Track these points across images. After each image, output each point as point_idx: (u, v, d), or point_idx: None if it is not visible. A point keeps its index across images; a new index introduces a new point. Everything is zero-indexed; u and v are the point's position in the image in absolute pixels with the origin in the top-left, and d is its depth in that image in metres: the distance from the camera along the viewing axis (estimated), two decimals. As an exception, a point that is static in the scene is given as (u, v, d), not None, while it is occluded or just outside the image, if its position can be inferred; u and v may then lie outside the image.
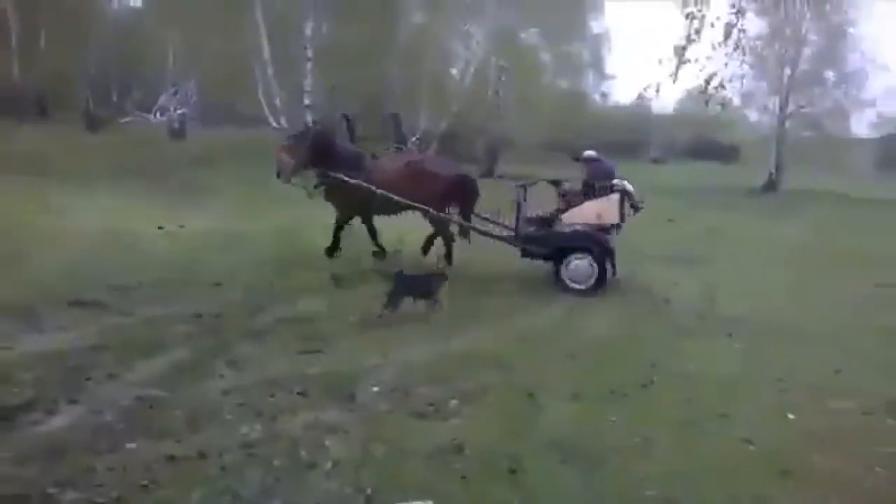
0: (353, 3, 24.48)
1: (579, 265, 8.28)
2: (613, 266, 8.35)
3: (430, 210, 8.78)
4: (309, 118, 23.24)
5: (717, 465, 3.99)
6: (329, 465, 3.69)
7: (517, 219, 8.73)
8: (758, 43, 25.27)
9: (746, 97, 27.17)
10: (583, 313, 7.31)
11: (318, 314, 6.48)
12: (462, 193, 9.07)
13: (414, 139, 24.93)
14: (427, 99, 25.93)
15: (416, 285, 6.80)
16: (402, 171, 8.96)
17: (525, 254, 8.72)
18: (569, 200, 8.90)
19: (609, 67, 35.74)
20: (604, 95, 35.43)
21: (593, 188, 8.74)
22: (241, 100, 30.50)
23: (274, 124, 24.10)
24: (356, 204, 9.00)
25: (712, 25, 7.12)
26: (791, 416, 4.77)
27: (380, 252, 9.38)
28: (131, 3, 34.68)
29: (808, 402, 5.06)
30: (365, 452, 3.85)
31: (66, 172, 16.13)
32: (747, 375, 5.61)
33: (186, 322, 5.94)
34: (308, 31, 23.18)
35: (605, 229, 8.56)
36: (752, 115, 31.00)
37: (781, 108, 26.81)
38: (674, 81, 7.42)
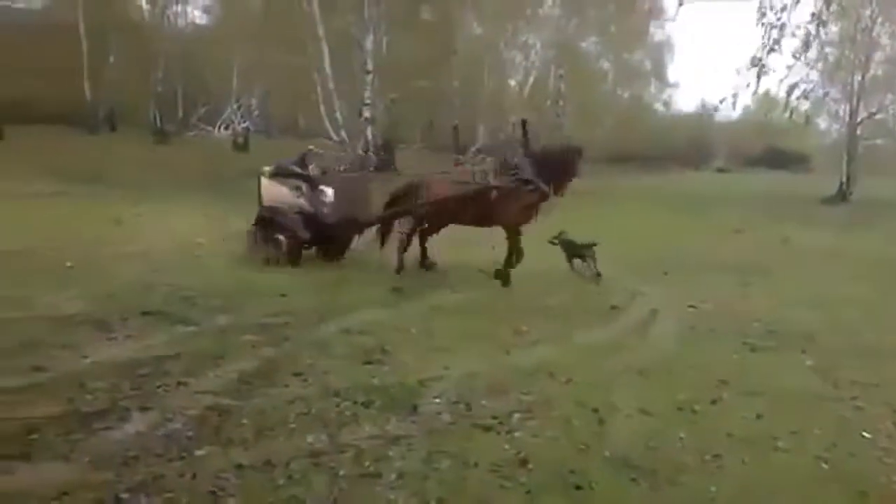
0: (413, 17, 24.73)
1: None
2: None
3: None
4: (369, 131, 23.56)
5: (790, 484, 3.86)
6: (394, 476, 3.69)
7: None
8: (828, 48, 24.56)
9: (816, 104, 26.40)
10: (648, 326, 7.17)
11: (380, 325, 6.51)
12: None
13: (473, 149, 24.98)
14: (486, 110, 25.99)
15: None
16: None
17: None
18: None
19: (671, 75, 35.25)
20: (666, 104, 34.99)
21: None
22: (302, 113, 31.15)
23: (334, 137, 24.46)
24: None
25: (793, 35, 6.94)
26: (868, 435, 4.58)
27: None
28: (197, 21, 35.68)
29: (885, 420, 4.85)
30: (429, 464, 3.84)
31: (135, 184, 16.70)
32: (821, 392, 5.40)
33: (252, 332, 6.04)
34: (368, 45, 23.47)
35: None
36: (822, 123, 30.14)
37: (852, 115, 25.92)
38: (754, 92, 7.29)
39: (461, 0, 25.41)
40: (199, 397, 4.56)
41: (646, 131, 31.56)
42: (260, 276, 8.29)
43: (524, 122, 10.14)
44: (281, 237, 9.12)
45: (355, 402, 4.60)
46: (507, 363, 5.67)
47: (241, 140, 31.27)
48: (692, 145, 36.72)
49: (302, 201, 9.39)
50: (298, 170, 9.67)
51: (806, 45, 6.91)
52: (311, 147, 10.73)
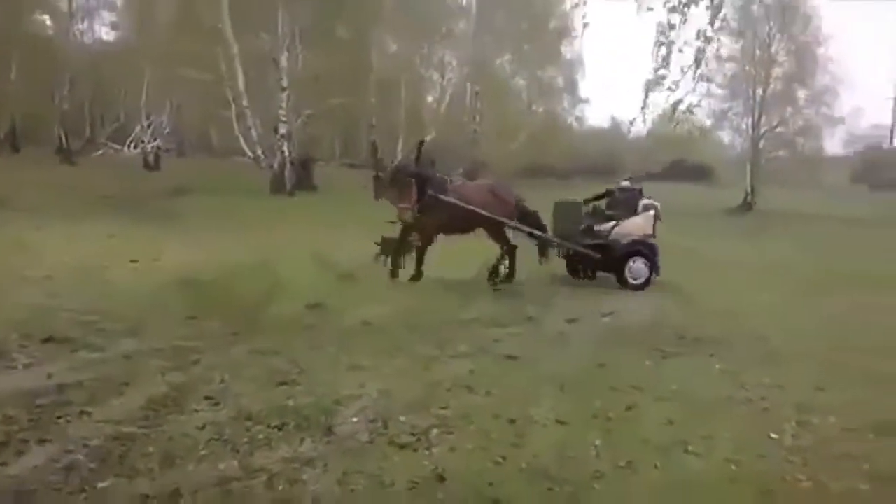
0: (329, 35, 24.62)
1: (638, 267, 10.69)
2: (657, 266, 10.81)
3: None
4: (285, 148, 23.28)
5: (701, 487, 3.94)
6: (308, 500, 3.60)
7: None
8: (729, 64, 25.72)
9: (719, 118, 27.59)
10: (564, 337, 7.28)
11: (294, 345, 6.37)
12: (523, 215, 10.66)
13: (393, 166, 24.95)
14: (404, 126, 26.06)
15: None
16: (487, 195, 10.42)
17: (572, 268, 11.47)
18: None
19: (583, 92, 36.18)
20: (579, 119, 35.85)
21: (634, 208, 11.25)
22: (216, 130, 30.54)
23: (249, 154, 24.08)
24: (443, 225, 10.08)
25: (681, 51, 7.21)
26: (774, 436, 4.74)
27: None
28: (104, 37, 34.55)
29: (790, 420, 5.03)
30: (344, 485, 3.76)
31: (39, 207, 15.97)
32: (730, 396, 5.58)
33: (160, 357, 5.82)
34: (283, 62, 23.23)
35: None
36: (726, 136, 31.47)
37: (754, 128, 27.18)
38: (642, 109, 7.60)
39: (376, 18, 25.43)
40: (103, 426, 4.34)
41: (559, 146, 32.19)
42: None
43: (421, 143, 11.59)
44: None
45: (269, 426, 4.48)
46: (424, 378, 5.63)
47: (151, 159, 30.42)
48: (603, 159, 37.67)
49: None
50: None
51: (697, 62, 7.19)
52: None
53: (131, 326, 6.67)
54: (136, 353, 5.89)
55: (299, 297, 8.29)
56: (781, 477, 4.12)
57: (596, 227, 11.02)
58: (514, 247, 10.50)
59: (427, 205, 9.83)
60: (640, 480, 3.98)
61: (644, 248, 10.84)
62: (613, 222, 11.00)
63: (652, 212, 11.11)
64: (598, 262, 10.88)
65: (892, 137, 36.53)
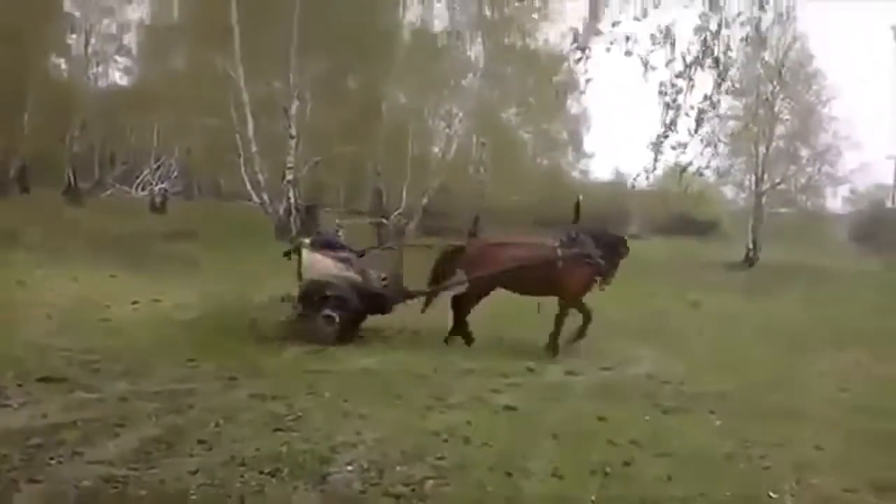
0: (339, 85, 25.00)
1: None
2: None
3: None
4: (291, 194, 23.44)
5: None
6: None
7: None
8: (732, 122, 25.98)
9: (723, 174, 27.76)
10: (563, 389, 7.23)
11: (291, 390, 6.34)
12: None
13: (396, 213, 25.14)
14: (410, 175, 26.28)
15: None
16: None
17: None
18: None
19: (588, 145, 36.52)
20: (583, 172, 36.13)
21: None
22: (224, 175, 30.79)
23: (256, 200, 24.22)
24: None
25: (687, 115, 7.35)
26: (773, 495, 4.67)
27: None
28: (118, 81, 35.06)
29: (789, 479, 4.96)
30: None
31: (45, 247, 16.03)
32: (729, 452, 5.50)
33: (157, 399, 5.80)
34: (293, 111, 23.54)
35: None
36: (729, 192, 31.65)
37: (757, 185, 27.34)
38: (652, 171, 7.73)
39: (386, 70, 25.80)
40: (95, 468, 4.30)
41: (564, 198, 32.38)
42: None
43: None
44: (332, 312, 8.60)
45: (262, 472, 4.43)
46: (421, 427, 5.59)
47: (158, 201, 30.63)
48: (608, 212, 37.76)
49: (351, 273, 8.92)
50: (342, 241, 9.58)
51: (698, 124, 7.33)
52: (338, 221, 11.58)
53: (128, 367, 6.67)
54: (132, 395, 5.89)
55: (297, 341, 8.29)
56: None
57: None
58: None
59: None
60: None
61: None
62: None
63: None
64: None
65: (893, 197, 36.67)
